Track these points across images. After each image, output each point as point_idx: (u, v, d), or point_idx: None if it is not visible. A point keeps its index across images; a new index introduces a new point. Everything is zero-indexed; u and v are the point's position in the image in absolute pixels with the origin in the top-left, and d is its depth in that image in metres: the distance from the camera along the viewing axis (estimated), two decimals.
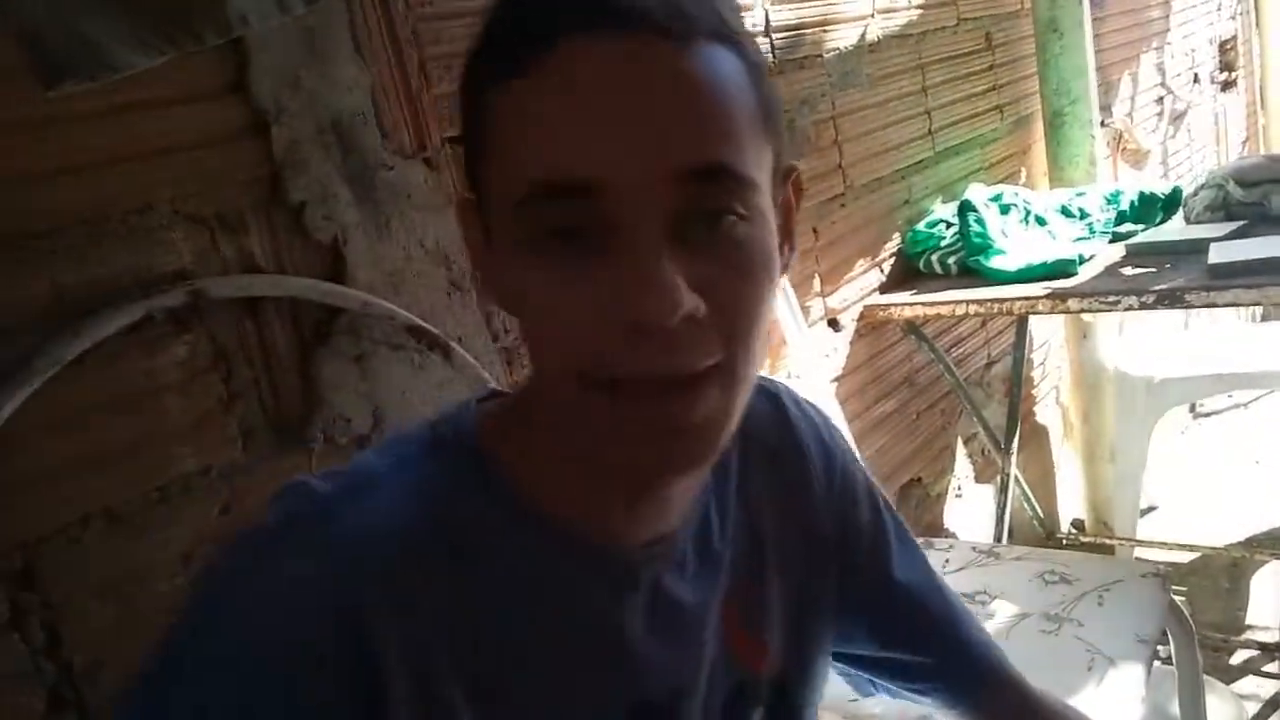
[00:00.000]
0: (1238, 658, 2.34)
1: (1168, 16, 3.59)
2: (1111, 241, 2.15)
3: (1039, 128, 2.68)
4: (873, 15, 2.10)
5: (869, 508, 0.76)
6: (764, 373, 0.62)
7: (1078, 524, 2.90)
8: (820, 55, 1.94)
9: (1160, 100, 3.54)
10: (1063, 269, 1.96)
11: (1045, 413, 2.86)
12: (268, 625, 0.46)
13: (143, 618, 0.92)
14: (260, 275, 1.03)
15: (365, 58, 1.12)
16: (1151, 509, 2.97)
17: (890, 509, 0.78)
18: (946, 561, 1.63)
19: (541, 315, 0.48)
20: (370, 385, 1.13)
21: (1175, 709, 1.51)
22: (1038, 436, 2.83)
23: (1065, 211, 2.23)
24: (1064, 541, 2.79)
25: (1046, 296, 1.90)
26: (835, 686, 0.79)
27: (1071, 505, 2.92)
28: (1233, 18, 4.22)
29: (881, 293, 2.16)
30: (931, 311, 2.06)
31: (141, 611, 0.93)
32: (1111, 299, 1.82)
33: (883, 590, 0.75)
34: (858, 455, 0.79)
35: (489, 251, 0.52)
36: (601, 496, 0.56)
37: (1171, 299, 1.73)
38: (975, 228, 2.09)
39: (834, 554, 0.72)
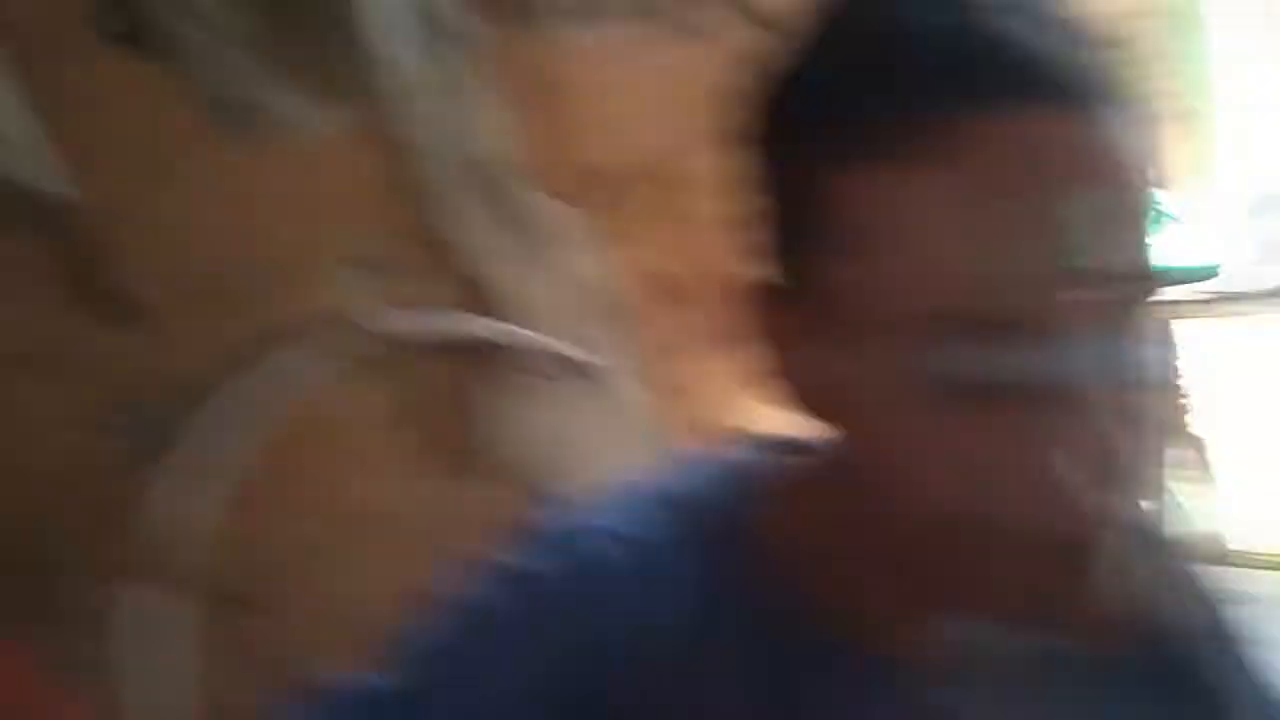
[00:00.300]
0: None
1: None
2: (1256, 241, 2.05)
3: (1174, 126, 2.58)
4: None
5: None
6: None
7: (1242, 541, 2.73)
8: None
9: None
10: (1205, 272, 1.88)
11: (1203, 424, 2.72)
12: (519, 686, 0.46)
13: (356, 648, 0.95)
14: (421, 313, 1.08)
15: (508, 98, 1.17)
16: None
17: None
18: None
19: (937, 462, 0.38)
20: (533, 418, 1.16)
21: None
22: (1195, 449, 2.68)
23: (1201, 212, 2.14)
24: (1232, 560, 2.62)
25: (1195, 300, 1.82)
26: None
27: (1238, 521, 2.75)
28: None
29: None
30: None
31: (355, 642, 0.95)
32: (1263, 300, 1.73)
33: None
34: None
35: (825, 354, 0.41)
36: (909, 619, 0.45)
37: None
38: None
39: None
